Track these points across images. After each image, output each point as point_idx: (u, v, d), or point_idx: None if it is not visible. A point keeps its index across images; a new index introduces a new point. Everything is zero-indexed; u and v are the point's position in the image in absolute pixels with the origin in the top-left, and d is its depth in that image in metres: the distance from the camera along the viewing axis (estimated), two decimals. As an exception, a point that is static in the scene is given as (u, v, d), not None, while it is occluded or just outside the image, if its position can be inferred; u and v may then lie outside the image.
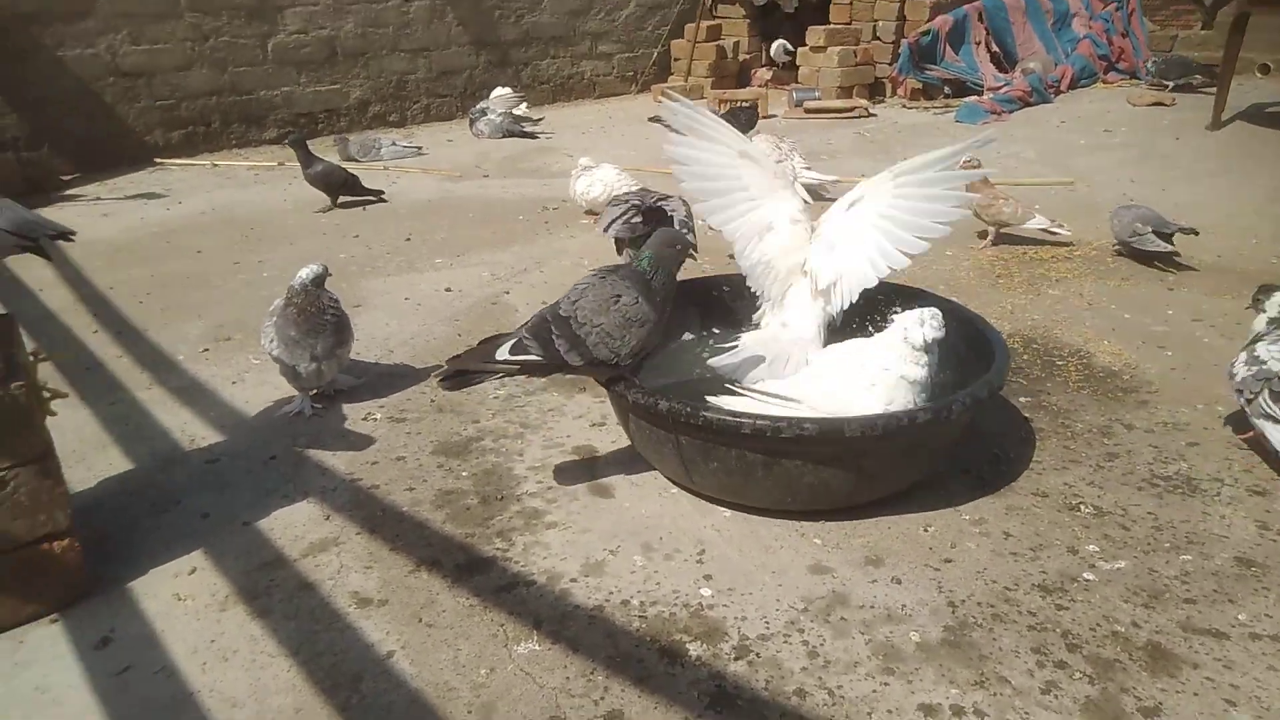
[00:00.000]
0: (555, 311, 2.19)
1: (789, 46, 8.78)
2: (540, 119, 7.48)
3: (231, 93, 6.66)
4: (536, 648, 1.82)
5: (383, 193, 5.25)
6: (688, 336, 2.86)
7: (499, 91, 7.25)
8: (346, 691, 1.72)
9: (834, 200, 2.67)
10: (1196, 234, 3.70)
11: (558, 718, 1.65)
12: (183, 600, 1.97)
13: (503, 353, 2.15)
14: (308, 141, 5.08)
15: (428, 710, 1.67)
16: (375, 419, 2.75)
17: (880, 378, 2.17)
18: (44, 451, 1.88)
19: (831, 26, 8.27)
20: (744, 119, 6.04)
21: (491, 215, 4.97)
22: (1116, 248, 3.94)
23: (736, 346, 2.52)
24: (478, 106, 7.21)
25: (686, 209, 3.04)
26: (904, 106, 7.91)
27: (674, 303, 2.27)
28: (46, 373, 2.18)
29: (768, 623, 1.87)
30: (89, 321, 3.53)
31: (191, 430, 2.69)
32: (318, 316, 2.64)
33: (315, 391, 2.80)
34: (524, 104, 7.36)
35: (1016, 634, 1.82)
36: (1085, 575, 1.99)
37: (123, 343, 3.32)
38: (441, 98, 7.87)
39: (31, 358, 2.03)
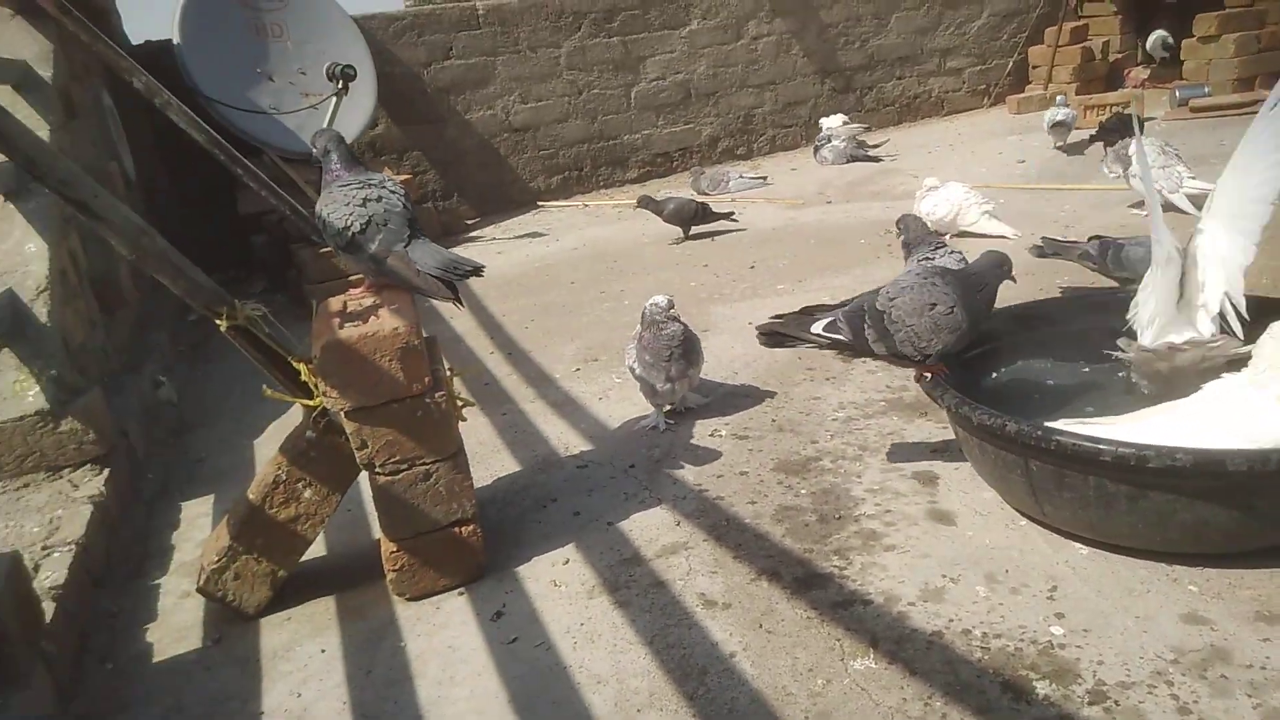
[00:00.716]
0: (872, 303, 2.36)
1: (1169, 39, 7.84)
2: (884, 141, 7.42)
3: (600, 139, 7.41)
4: (873, 665, 1.84)
5: (733, 213, 5.53)
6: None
7: (831, 121, 7.30)
8: (694, 683, 1.87)
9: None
10: None
11: (893, 736, 1.66)
12: (558, 586, 2.26)
13: (817, 328, 2.40)
14: (662, 181, 5.50)
15: (767, 711, 1.77)
16: (721, 435, 2.94)
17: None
18: (457, 450, 2.27)
19: (1227, 11, 7.27)
20: (1141, 124, 5.46)
21: (832, 240, 5.03)
22: None
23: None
24: (821, 134, 7.32)
25: None
26: (1325, 94, 6.71)
27: (986, 315, 2.38)
28: (456, 385, 2.63)
29: (1129, 670, 1.73)
30: (487, 344, 4.14)
31: (566, 439, 3.06)
32: (668, 341, 2.89)
33: (669, 408, 3.05)
34: (864, 129, 7.35)
35: None
36: None
37: (512, 362, 3.86)
38: (786, 128, 8.10)
39: (448, 372, 2.46)
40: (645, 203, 5.39)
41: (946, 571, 2.10)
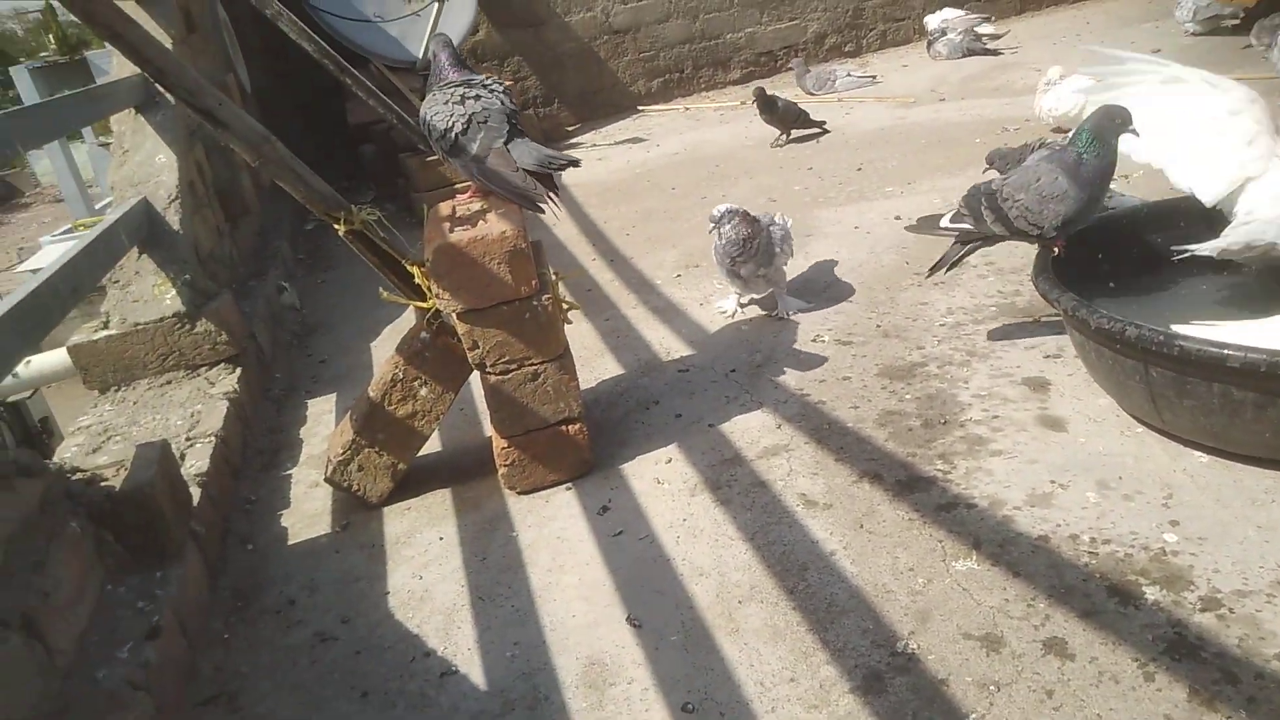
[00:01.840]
0: (989, 187, 2.50)
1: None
2: (1005, 33, 6.98)
3: (701, 39, 7.20)
4: (975, 567, 1.85)
5: (824, 122, 5.37)
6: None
7: (943, 13, 6.87)
8: (794, 578, 1.92)
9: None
10: None
11: (994, 635, 1.68)
12: (661, 484, 2.33)
13: (944, 221, 2.57)
14: (765, 82, 5.35)
15: (866, 606, 1.80)
16: (823, 341, 2.92)
17: None
18: (564, 351, 2.33)
19: None
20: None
21: (945, 140, 4.82)
22: None
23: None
24: (934, 27, 6.92)
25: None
26: None
27: (1110, 175, 2.35)
28: (561, 290, 2.68)
29: (1246, 579, 1.68)
30: (589, 250, 4.18)
31: (667, 343, 3.10)
32: (726, 249, 2.93)
33: (748, 300, 3.15)
34: (983, 20, 6.92)
35: None
36: None
37: (614, 268, 3.89)
38: (898, 22, 7.69)
39: (554, 276, 2.50)
40: (759, 94, 5.24)
41: (1055, 477, 2.07)
